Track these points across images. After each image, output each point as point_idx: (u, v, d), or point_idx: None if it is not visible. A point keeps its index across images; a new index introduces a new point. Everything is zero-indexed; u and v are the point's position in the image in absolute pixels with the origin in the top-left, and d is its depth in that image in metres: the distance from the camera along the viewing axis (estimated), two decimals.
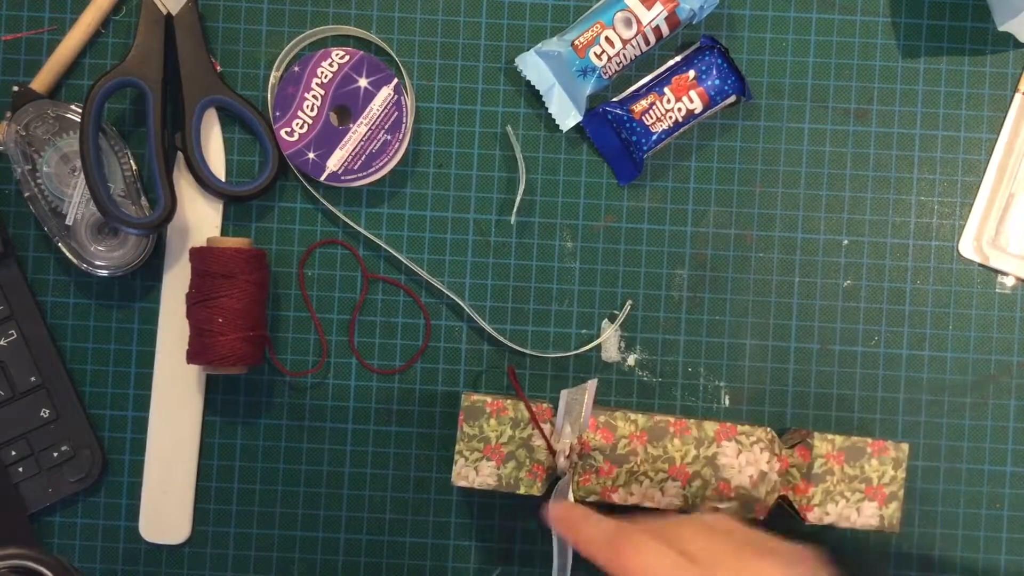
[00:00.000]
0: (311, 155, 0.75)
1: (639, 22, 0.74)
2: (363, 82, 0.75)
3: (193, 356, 0.74)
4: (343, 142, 0.75)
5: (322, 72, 0.75)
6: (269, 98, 0.76)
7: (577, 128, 0.77)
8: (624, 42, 0.74)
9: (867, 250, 0.77)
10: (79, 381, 0.77)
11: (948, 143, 0.78)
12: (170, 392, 0.77)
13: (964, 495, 0.77)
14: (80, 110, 0.74)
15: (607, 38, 0.74)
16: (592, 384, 0.67)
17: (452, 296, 0.77)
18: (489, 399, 0.71)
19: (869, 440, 0.70)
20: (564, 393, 0.70)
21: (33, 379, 0.76)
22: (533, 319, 0.77)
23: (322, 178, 0.75)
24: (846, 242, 0.77)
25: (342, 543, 0.77)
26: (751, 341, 0.77)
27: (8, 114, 0.74)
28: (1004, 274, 0.77)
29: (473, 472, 0.70)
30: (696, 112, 0.75)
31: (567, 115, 0.76)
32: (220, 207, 0.77)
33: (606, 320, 0.77)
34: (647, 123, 0.75)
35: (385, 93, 0.75)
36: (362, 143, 0.75)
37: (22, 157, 0.74)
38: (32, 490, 0.76)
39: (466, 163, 0.77)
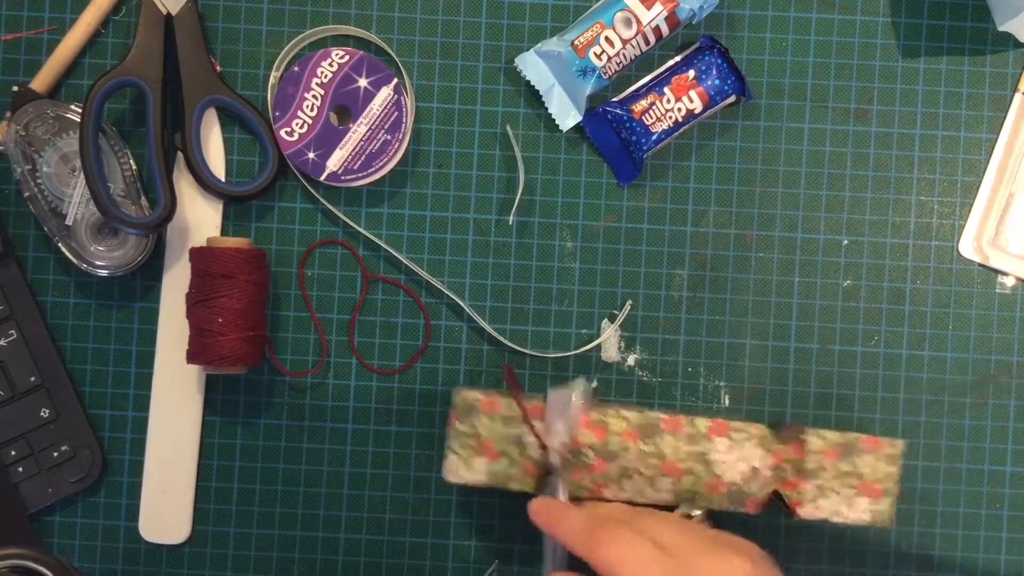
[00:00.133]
0: (311, 155, 0.75)
1: (639, 22, 0.74)
2: (363, 82, 0.75)
3: (193, 356, 0.74)
4: (343, 142, 0.75)
5: (322, 72, 0.75)
6: (269, 98, 0.76)
7: (577, 128, 0.77)
8: (624, 42, 0.74)
9: (867, 250, 0.77)
10: (79, 381, 0.77)
11: (948, 143, 0.78)
12: (170, 392, 0.77)
13: (964, 495, 0.77)
14: (80, 110, 0.74)
15: (607, 38, 0.74)
16: (581, 381, 0.68)
17: (452, 296, 0.77)
18: (482, 396, 0.71)
19: (863, 436, 0.71)
20: (553, 391, 0.70)
21: (33, 379, 0.76)
22: (533, 319, 0.77)
23: (322, 178, 0.75)
24: (846, 242, 0.77)
25: (342, 543, 0.77)
26: (751, 341, 0.77)
27: (8, 114, 0.74)
28: (1004, 274, 0.77)
29: (465, 468, 0.71)
30: (696, 112, 0.75)
31: (567, 115, 0.76)
32: (220, 207, 0.77)
33: (606, 320, 0.77)
34: (647, 123, 0.75)
35: (385, 93, 0.75)
36: (362, 143, 0.75)
37: (22, 157, 0.74)
38: (32, 490, 0.76)
39: (466, 163, 0.77)
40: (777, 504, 0.73)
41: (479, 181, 0.77)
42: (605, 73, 0.75)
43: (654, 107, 0.75)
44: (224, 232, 0.77)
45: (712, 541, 0.60)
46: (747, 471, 0.70)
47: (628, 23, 0.74)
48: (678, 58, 0.77)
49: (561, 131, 0.77)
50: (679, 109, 0.75)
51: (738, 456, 0.70)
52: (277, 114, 0.75)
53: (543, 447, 0.70)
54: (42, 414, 0.76)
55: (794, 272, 0.77)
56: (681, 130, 0.76)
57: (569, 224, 0.77)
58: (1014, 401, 0.77)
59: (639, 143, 0.75)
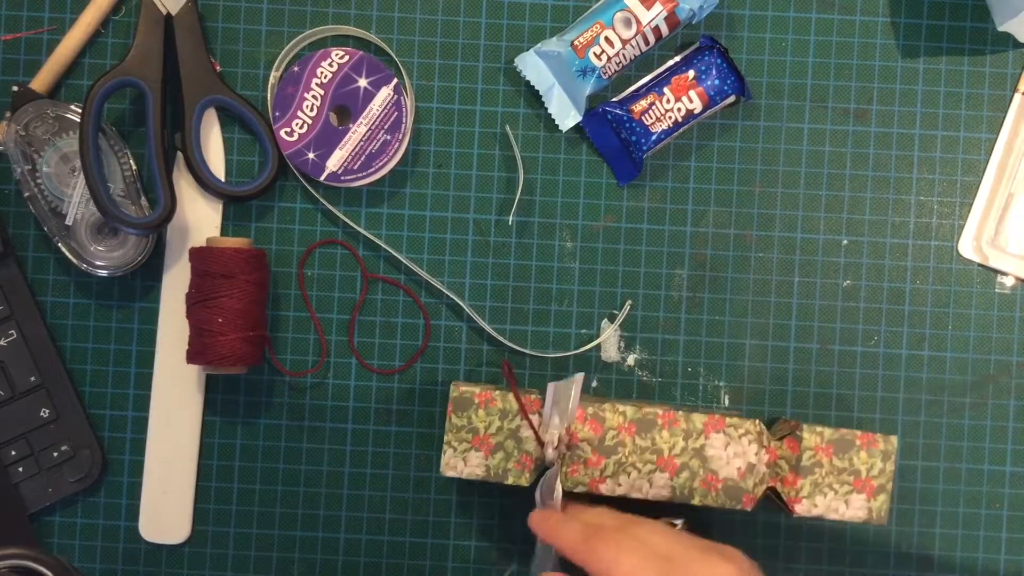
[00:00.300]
0: (311, 155, 0.75)
1: (639, 22, 0.74)
2: (363, 82, 0.75)
3: (193, 356, 0.74)
4: (343, 142, 0.75)
5: (322, 72, 0.75)
6: (269, 98, 0.76)
7: (577, 128, 0.77)
8: (624, 42, 0.74)
9: (866, 250, 0.77)
10: (79, 381, 0.77)
11: (948, 143, 0.78)
12: (170, 392, 0.77)
13: (964, 495, 0.77)
14: (80, 110, 0.74)
15: (607, 38, 0.74)
16: (579, 377, 0.68)
17: (452, 296, 0.77)
18: (478, 390, 0.71)
19: (858, 433, 0.71)
20: (551, 385, 0.70)
21: (33, 379, 0.76)
22: (533, 319, 0.77)
23: (322, 178, 0.75)
24: (845, 242, 0.77)
25: (342, 543, 0.77)
26: (751, 341, 0.77)
27: (8, 114, 0.74)
28: (1003, 274, 0.77)
29: (461, 463, 0.71)
30: (696, 112, 0.75)
31: (567, 115, 0.76)
32: (220, 207, 0.77)
33: (606, 320, 0.77)
34: (647, 123, 0.75)
35: (385, 93, 0.75)
36: (362, 143, 0.75)
37: (22, 157, 0.74)
38: (32, 490, 0.76)
39: (466, 163, 0.77)
40: (774, 502, 0.73)
41: (479, 181, 0.78)
42: (605, 73, 0.75)
43: (654, 107, 0.75)
44: (224, 232, 0.77)
45: (702, 547, 0.63)
46: (743, 467, 0.70)
47: (628, 23, 0.74)
48: (678, 58, 0.77)
49: (561, 131, 0.77)
50: (679, 109, 0.75)
51: (734, 452, 0.70)
52: (277, 114, 0.75)
53: (540, 441, 0.70)
54: (42, 414, 0.76)
55: (794, 272, 0.77)
56: (681, 130, 0.76)
57: (569, 224, 0.77)
58: (1013, 401, 0.77)
59: (639, 143, 0.75)
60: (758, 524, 0.77)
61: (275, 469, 0.77)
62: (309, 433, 0.77)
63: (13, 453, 0.76)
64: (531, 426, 0.70)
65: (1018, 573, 0.77)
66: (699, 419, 0.70)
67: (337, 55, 0.75)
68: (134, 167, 0.76)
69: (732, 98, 0.76)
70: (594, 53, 0.74)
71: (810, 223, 0.78)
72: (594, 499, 0.71)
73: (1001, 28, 0.76)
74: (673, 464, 0.70)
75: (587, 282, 0.77)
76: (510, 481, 0.71)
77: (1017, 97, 0.78)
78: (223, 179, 0.77)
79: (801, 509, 0.71)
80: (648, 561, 0.61)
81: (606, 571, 0.61)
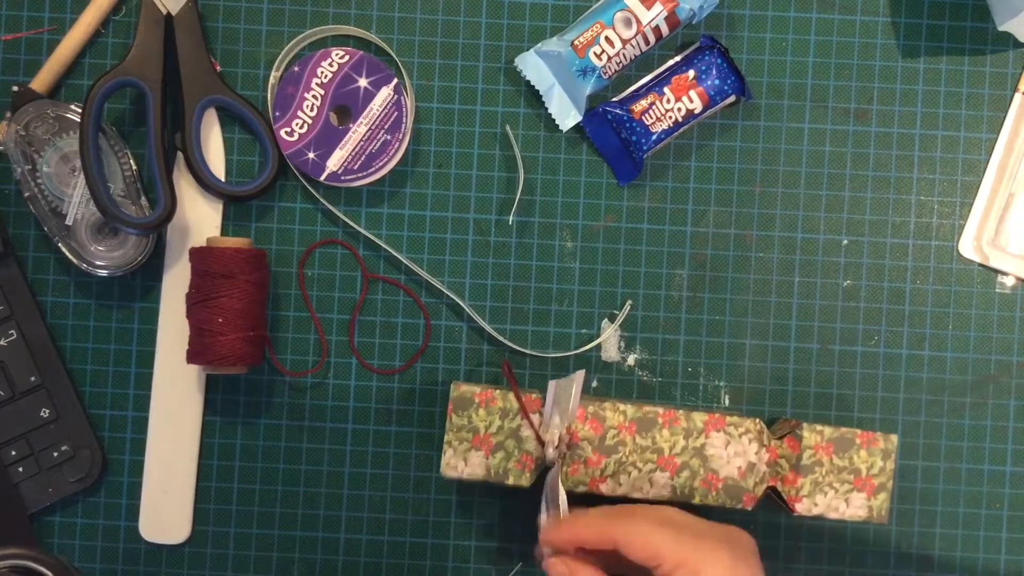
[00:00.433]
0: (311, 155, 0.75)
1: (639, 22, 0.74)
2: (363, 82, 0.75)
3: (193, 356, 0.74)
4: (343, 142, 0.75)
5: (322, 72, 0.75)
6: (269, 98, 0.76)
7: (577, 128, 0.77)
8: (624, 42, 0.74)
9: (867, 250, 0.77)
10: (79, 381, 0.77)
11: (948, 143, 0.78)
12: (170, 392, 0.77)
13: (964, 495, 0.77)
14: (80, 110, 0.74)
15: (607, 38, 0.74)
16: (580, 375, 0.68)
17: (452, 296, 0.77)
18: (478, 389, 0.71)
19: (858, 431, 0.71)
20: (552, 384, 0.70)
21: (33, 379, 0.76)
22: (533, 319, 0.77)
23: (322, 178, 0.75)
24: (846, 242, 0.77)
25: (342, 543, 0.77)
26: (751, 341, 0.77)
27: (8, 114, 0.74)
28: (1004, 274, 0.77)
29: (462, 462, 0.71)
30: (696, 112, 0.75)
31: (567, 115, 0.76)
32: (220, 207, 0.77)
33: (606, 320, 0.77)
34: (647, 123, 0.75)
35: (385, 93, 0.75)
36: (362, 143, 0.75)
37: (22, 157, 0.74)
38: (32, 490, 0.76)
39: (466, 163, 0.77)
40: (774, 501, 0.73)
41: (479, 181, 0.77)
42: (605, 73, 0.75)
43: (654, 107, 0.75)
44: (224, 232, 0.77)
45: (709, 523, 0.65)
46: (744, 466, 0.70)
47: (628, 23, 0.74)
48: (678, 58, 0.77)
49: (561, 131, 0.77)
50: (679, 109, 0.75)
51: (734, 451, 0.70)
52: (277, 114, 0.75)
53: (540, 440, 0.70)
54: (42, 414, 0.76)
55: (794, 272, 0.77)
56: (681, 130, 0.76)
57: (569, 224, 0.77)
58: (1014, 401, 0.77)
59: (639, 143, 0.75)
60: (758, 524, 0.77)
61: (275, 469, 0.77)
62: (309, 433, 0.77)
63: (13, 453, 0.76)
64: (531, 425, 0.70)
65: (1018, 573, 0.77)
66: (699, 418, 0.70)
67: (337, 55, 0.75)
68: (134, 167, 0.76)
69: (732, 98, 0.76)
70: (594, 53, 0.74)
71: (810, 223, 0.77)
72: (594, 500, 0.71)
73: (1001, 28, 0.76)
74: (673, 463, 0.70)
75: (587, 282, 0.77)
76: (511, 482, 0.71)
77: (1017, 97, 0.78)
78: (223, 179, 0.77)
79: (801, 508, 0.71)
80: (664, 524, 0.63)
81: (624, 534, 0.62)
